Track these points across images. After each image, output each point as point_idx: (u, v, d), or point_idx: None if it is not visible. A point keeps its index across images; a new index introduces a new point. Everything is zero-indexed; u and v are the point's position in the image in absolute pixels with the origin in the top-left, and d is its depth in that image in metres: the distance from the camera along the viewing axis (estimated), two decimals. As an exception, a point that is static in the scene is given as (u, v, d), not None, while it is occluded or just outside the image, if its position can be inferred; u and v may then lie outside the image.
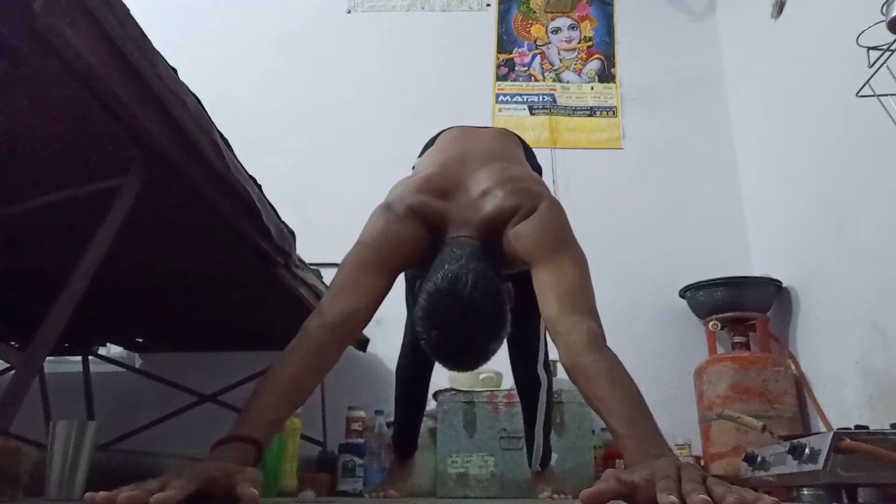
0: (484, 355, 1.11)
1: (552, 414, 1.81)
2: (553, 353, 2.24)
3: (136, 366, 2.83)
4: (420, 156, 1.65)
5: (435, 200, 1.23)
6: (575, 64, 3.44)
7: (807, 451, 1.39)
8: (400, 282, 1.32)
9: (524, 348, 1.69)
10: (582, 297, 1.07)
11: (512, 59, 3.45)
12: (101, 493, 0.67)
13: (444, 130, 1.66)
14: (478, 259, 1.11)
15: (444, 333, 1.07)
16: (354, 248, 1.19)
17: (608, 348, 0.97)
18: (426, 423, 2.09)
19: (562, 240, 1.17)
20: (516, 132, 1.67)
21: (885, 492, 1.38)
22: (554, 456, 1.88)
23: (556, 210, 1.21)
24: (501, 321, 1.10)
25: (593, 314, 1.04)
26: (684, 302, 2.76)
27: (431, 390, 1.95)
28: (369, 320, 1.14)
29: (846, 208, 2.21)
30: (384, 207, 1.24)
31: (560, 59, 3.45)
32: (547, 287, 1.09)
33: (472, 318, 1.06)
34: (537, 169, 1.67)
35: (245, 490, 0.71)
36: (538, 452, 1.75)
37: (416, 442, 1.89)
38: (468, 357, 1.12)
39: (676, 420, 2.52)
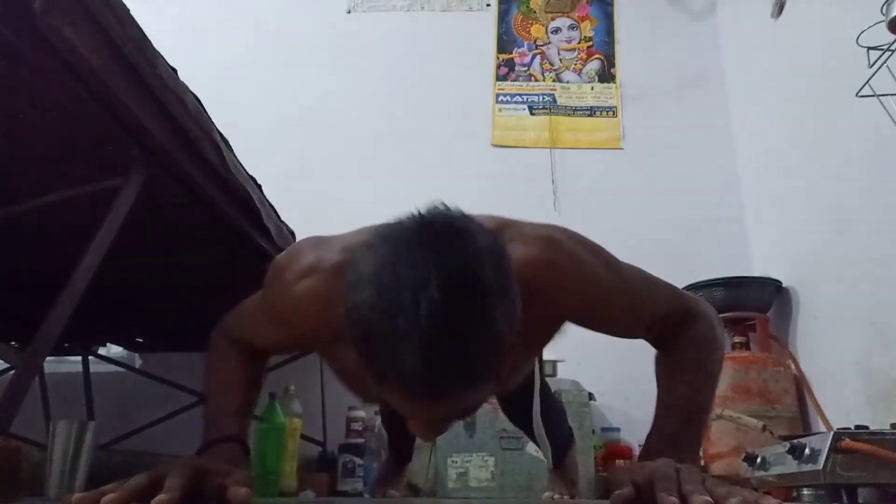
0: (490, 348, 0.60)
1: (562, 416, 1.75)
2: (552, 354, 2.25)
3: (136, 366, 2.83)
4: None
5: None
6: (575, 64, 3.44)
7: (807, 451, 1.39)
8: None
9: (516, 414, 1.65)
10: (645, 302, 0.90)
11: (512, 59, 3.45)
12: (77, 495, 0.66)
13: None
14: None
15: (423, 314, 0.56)
16: (254, 299, 0.97)
17: (688, 341, 0.88)
18: (426, 423, 2.09)
19: (603, 256, 0.88)
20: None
21: (885, 492, 1.39)
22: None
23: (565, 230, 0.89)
24: (507, 284, 0.63)
25: (669, 302, 0.91)
26: (684, 302, 2.76)
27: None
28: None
29: (846, 208, 2.21)
30: (307, 251, 0.86)
31: (560, 59, 3.45)
32: (620, 323, 0.91)
33: (461, 274, 0.59)
34: None
35: (236, 490, 0.70)
36: (546, 451, 1.71)
37: (412, 451, 1.88)
38: (465, 358, 0.59)
39: (676, 420, 2.51)
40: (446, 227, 0.62)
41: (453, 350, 0.57)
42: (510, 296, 0.63)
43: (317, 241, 0.89)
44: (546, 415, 1.60)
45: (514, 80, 3.40)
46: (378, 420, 2.28)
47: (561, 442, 1.71)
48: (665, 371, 0.91)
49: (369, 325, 0.59)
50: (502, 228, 0.82)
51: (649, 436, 0.84)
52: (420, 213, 0.64)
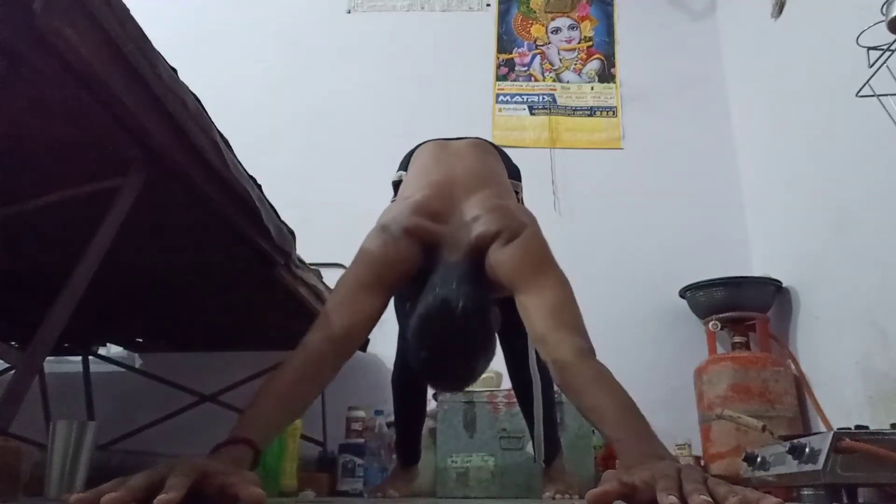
0: (470, 377, 1.17)
1: (554, 409, 1.79)
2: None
3: (136, 366, 2.83)
4: (399, 169, 1.67)
5: (429, 223, 1.27)
6: (575, 64, 3.44)
7: (807, 451, 1.39)
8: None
9: (514, 346, 1.69)
10: (567, 315, 1.09)
11: (512, 59, 3.45)
12: (76, 495, 0.66)
13: (420, 145, 1.69)
14: (468, 282, 1.14)
15: (434, 356, 1.11)
16: (351, 268, 1.21)
17: (596, 360, 1.00)
18: (426, 423, 2.10)
19: (542, 263, 1.20)
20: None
21: (885, 492, 1.39)
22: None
23: (537, 238, 1.25)
24: (489, 345, 1.15)
25: (580, 330, 1.06)
26: (684, 302, 2.76)
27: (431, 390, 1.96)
28: (366, 337, 1.22)
29: (846, 208, 2.21)
30: (380, 229, 1.27)
31: (560, 59, 3.45)
32: (532, 309, 1.11)
33: (462, 342, 1.10)
34: (515, 171, 1.73)
35: (250, 490, 0.70)
36: (541, 448, 1.73)
37: (418, 450, 1.90)
38: (455, 379, 1.18)
39: (676, 420, 2.51)
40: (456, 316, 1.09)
41: (442, 369, 1.15)
42: (488, 344, 1.17)
43: (374, 229, 1.28)
44: (548, 419, 1.70)
45: (514, 80, 3.40)
46: (378, 420, 2.28)
47: (553, 446, 1.76)
48: (588, 381, 0.95)
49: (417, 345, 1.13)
50: (494, 209, 1.28)
51: (620, 447, 0.84)
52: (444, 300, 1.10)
